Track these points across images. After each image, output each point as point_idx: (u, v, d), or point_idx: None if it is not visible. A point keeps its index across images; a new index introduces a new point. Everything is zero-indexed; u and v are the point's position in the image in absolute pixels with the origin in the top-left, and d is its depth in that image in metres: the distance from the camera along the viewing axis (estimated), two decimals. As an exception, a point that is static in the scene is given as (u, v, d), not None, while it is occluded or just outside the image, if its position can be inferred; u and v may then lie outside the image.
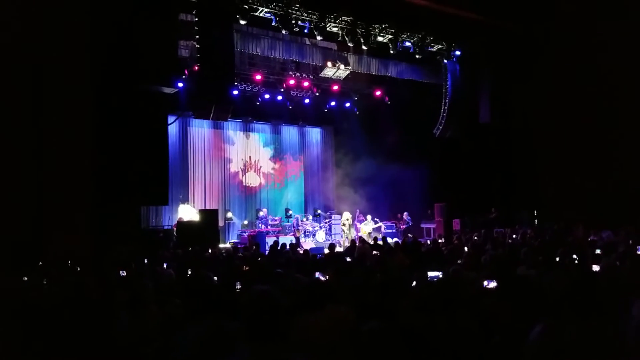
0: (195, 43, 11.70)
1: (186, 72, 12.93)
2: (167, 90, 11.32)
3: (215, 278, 4.40)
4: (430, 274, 4.27)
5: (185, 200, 14.60)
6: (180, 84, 12.32)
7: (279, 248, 8.84)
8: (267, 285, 1.69)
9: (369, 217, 15.10)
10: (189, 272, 5.66)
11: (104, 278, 5.19)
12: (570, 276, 3.86)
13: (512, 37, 14.78)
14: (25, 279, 5.66)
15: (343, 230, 14.60)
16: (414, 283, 3.99)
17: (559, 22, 13.92)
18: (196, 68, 12.11)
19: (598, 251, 6.20)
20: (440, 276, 4.20)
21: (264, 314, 1.56)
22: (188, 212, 13.82)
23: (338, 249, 10.79)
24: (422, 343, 2.26)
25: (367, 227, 14.74)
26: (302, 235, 14.71)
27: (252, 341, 1.52)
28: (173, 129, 14.37)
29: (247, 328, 1.54)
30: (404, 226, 15.31)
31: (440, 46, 15.33)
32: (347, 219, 14.65)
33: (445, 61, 15.73)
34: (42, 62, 9.85)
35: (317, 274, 4.72)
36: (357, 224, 15.05)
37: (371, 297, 3.36)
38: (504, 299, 2.94)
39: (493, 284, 3.83)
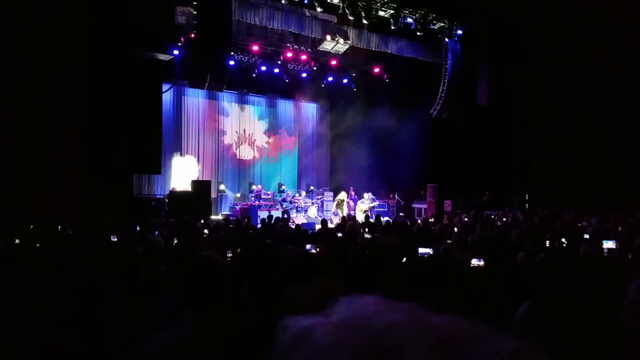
0: (192, 9, 11.39)
1: (182, 39, 12.62)
2: (162, 57, 11.09)
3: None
4: (421, 250, 4.30)
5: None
6: (176, 52, 12.02)
7: (272, 222, 8.86)
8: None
9: (366, 195, 14.94)
10: (178, 240, 5.65)
11: (95, 243, 5.17)
12: (557, 258, 3.91)
13: (511, 19, 14.55)
14: (17, 241, 5.63)
15: (340, 208, 14.37)
16: (404, 259, 4.01)
17: (559, 4, 13.69)
18: (192, 35, 11.82)
19: (586, 236, 6.28)
20: (431, 253, 4.23)
21: (208, 280, 1.55)
22: (183, 166, 13.80)
23: (330, 225, 10.81)
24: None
25: (364, 205, 14.67)
26: (295, 210, 14.69)
27: (197, 309, 1.53)
28: (167, 97, 14.12)
29: (190, 295, 1.55)
30: (374, 204, 15.12)
31: (442, 24, 15.07)
32: (341, 198, 14.56)
33: (447, 40, 15.49)
34: (35, 26, 9.54)
35: (307, 247, 4.73)
36: (350, 202, 15.02)
37: (361, 271, 3.38)
38: (490, 277, 2.97)
39: (480, 263, 3.86)
